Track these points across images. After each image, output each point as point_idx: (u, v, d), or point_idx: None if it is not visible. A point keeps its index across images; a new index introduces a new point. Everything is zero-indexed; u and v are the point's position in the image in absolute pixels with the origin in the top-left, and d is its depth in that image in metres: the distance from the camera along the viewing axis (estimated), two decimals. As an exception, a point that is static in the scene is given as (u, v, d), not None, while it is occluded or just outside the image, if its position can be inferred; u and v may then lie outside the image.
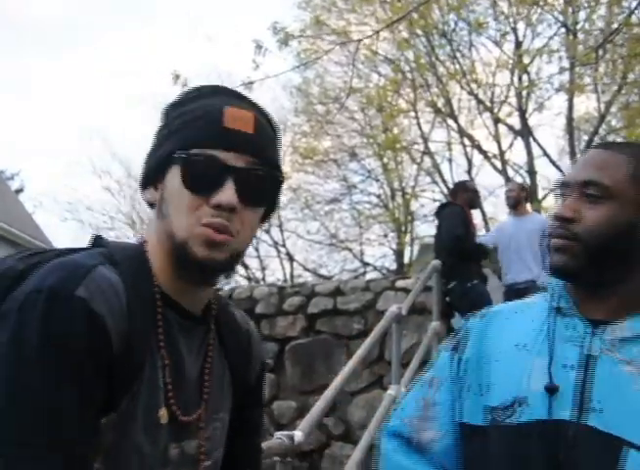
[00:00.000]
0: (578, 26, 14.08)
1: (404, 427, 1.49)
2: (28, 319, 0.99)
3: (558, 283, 1.43)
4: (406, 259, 19.45)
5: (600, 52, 8.02)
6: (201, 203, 1.12)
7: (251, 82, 7.00)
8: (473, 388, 1.42)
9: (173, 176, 1.14)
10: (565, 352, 1.34)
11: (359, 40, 7.62)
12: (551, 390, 1.31)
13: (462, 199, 6.29)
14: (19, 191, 27.09)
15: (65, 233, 49.38)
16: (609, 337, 1.32)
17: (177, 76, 6.86)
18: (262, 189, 1.18)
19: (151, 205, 1.22)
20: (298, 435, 2.59)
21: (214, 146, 1.13)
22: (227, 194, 1.11)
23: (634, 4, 8.05)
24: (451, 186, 9.44)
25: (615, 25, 8.62)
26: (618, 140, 14.15)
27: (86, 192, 40.77)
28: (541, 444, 1.29)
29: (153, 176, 1.20)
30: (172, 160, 1.14)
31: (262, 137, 1.18)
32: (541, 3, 13.14)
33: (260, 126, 1.18)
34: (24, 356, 0.98)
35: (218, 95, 1.21)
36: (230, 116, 1.15)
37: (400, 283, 7.38)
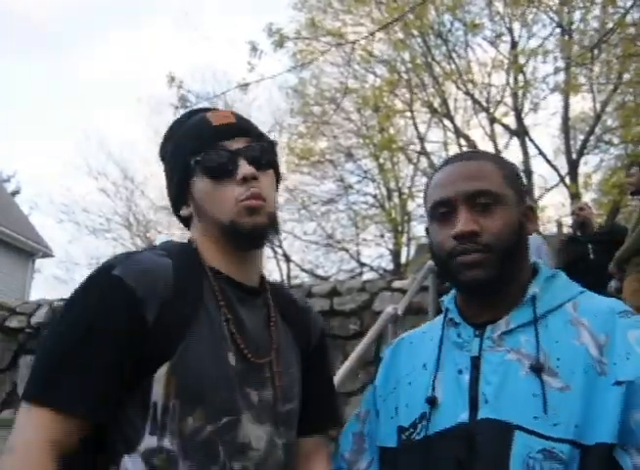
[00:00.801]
0: (573, 27, 14.12)
1: (343, 463, 1.56)
2: (76, 290, 1.31)
3: (450, 298, 1.52)
4: (403, 260, 19.49)
5: (595, 52, 8.04)
6: (230, 186, 1.39)
7: (247, 84, 7.00)
8: (389, 411, 1.50)
9: (197, 183, 1.42)
10: (456, 359, 1.42)
11: (354, 41, 7.62)
12: (431, 401, 1.40)
13: None
14: (15, 193, 27.04)
15: (61, 235, 49.48)
16: (492, 335, 1.39)
17: (172, 78, 6.87)
18: (265, 155, 1.46)
19: (186, 220, 1.50)
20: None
21: (216, 142, 1.42)
22: (245, 168, 1.39)
23: (629, 4, 8.07)
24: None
25: (609, 26, 8.64)
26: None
27: (82, 193, 40.83)
28: (446, 450, 1.34)
29: (180, 198, 1.47)
30: (190, 173, 1.42)
31: (244, 122, 1.49)
32: (536, 3, 13.13)
33: (238, 116, 1.49)
34: (62, 318, 1.28)
35: (195, 114, 1.54)
36: (213, 117, 1.46)
37: (397, 284, 7.38)
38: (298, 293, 1.63)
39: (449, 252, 1.40)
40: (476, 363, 1.38)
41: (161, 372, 1.26)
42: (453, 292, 1.53)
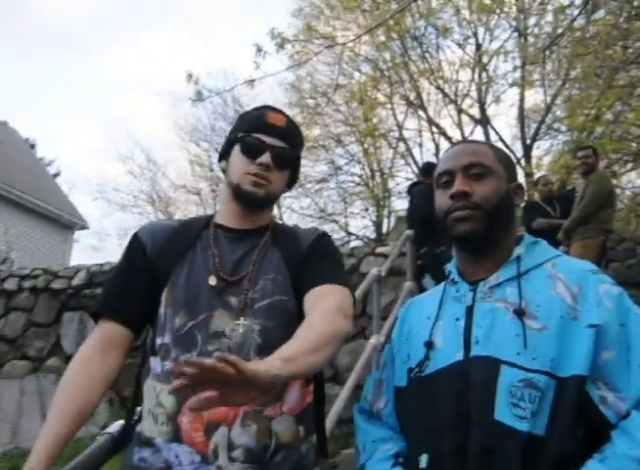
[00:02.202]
0: (529, 31, 14.00)
1: (366, 403, 1.63)
2: None
3: (452, 264, 1.57)
4: (384, 230, 19.44)
5: (547, 53, 7.96)
6: (250, 163, 1.60)
7: (252, 81, 6.93)
8: (403, 358, 1.53)
9: (235, 151, 1.64)
10: (454, 309, 1.46)
11: (344, 43, 7.53)
12: (428, 345, 1.44)
13: (432, 178, 6.20)
14: (56, 175, 26.86)
15: (95, 210, 49.29)
16: (484, 288, 1.43)
17: (190, 76, 6.78)
18: (286, 160, 1.64)
19: (223, 171, 1.71)
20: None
21: (261, 132, 1.62)
22: (266, 157, 1.59)
23: (576, 12, 8.00)
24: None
25: (560, 30, 8.57)
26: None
27: (113, 175, 40.57)
28: (446, 383, 1.38)
29: (224, 153, 1.69)
30: (236, 141, 1.64)
31: (289, 131, 1.66)
32: (497, 11, 13.00)
33: (289, 125, 1.66)
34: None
35: (264, 109, 1.69)
36: (270, 116, 1.64)
37: (379, 250, 7.39)
38: (309, 229, 1.72)
39: (446, 210, 1.47)
40: (469, 312, 1.42)
41: (165, 292, 1.55)
42: (455, 259, 1.57)
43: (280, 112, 1.69)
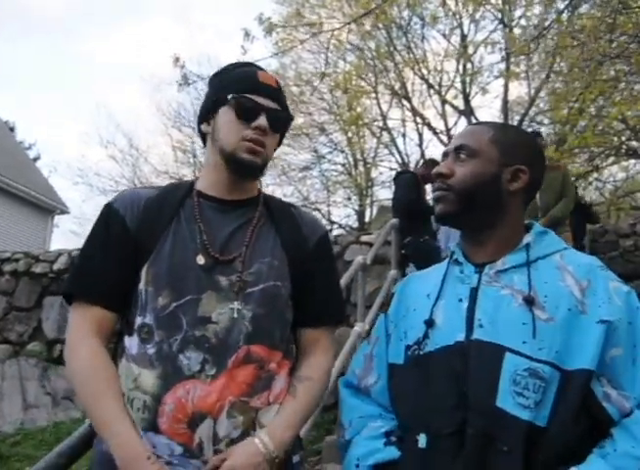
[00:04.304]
0: (514, 23, 14.01)
1: (354, 378, 1.59)
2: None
3: (455, 244, 1.55)
4: (367, 219, 19.45)
5: (533, 45, 7.98)
6: (245, 127, 1.48)
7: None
8: (400, 335, 1.50)
9: (225, 113, 1.51)
10: (457, 290, 1.44)
11: (332, 30, 7.49)
12: (429, 323, 1.42)
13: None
14: (36, 159, 26.53)
15: (76, 195, 48.81)
16: (490, 271, 1.41)
17: (177, 59, 6.70)
18: (281, 122, 1.55)
19: (204, 135, 1.58)
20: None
21: (254, 93, 1.50)
22: (263, 120, 1.49)
23: (562, 6, 8.03)
24: (405, 156, 9.40)
25: (547, 23, 8.59)
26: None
27: (94, 160, 40.14)
28: (444, 363, 1.36)
29: (207, 115, 1.56)
30: (224, 102, 1.51)
31: (280, 91, 1.57)
32: (483, 2, 12.98)
33: (279, 85, 1.57)
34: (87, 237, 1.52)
35: (249, 66, 1.61)
36: (262, 75, 1.54)
37: (364, 238, 7.41)
38: (310, 217, 1.66)
39: (433, 189, 1.50)
40: (474, 294, 1.39)
41: (145, 268, 1.43)
42: (459, 240, 1.55)
43: (263, 69, 1.61)
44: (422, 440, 1.35)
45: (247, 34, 5.75)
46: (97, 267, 1.45)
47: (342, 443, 1.53)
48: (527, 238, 1.44)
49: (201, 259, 1.43)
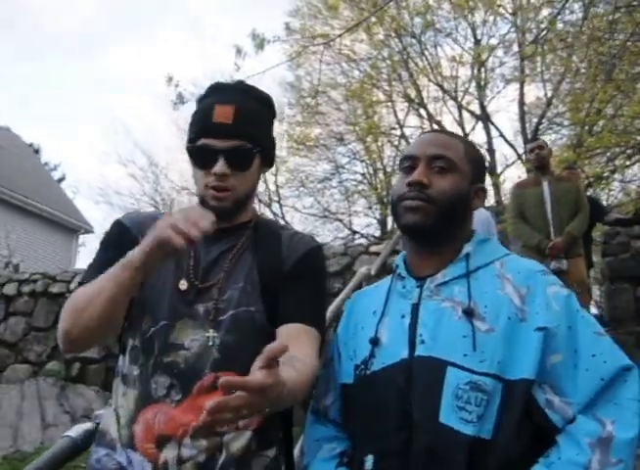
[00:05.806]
0: (526, 26, 13.90)
1: (316, 404, 1.57)
2: None
3: (400, 257, 1.52)
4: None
5: (542, 48, 7.90)
6: (206, 175, 1.47)
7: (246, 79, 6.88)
8: (349, 354, 1.48)
9: (190, 160, 1.52)
10: (400, 306, 1.41)
11: (339, 35, 7.53)
12: (374, 342, 1.40)
13: None
14: (60, 180, 26.99)
15: (99, 215, 49.61)
16: (430, 285, 1.38)
17: (170, 79, 6.79)
18: (244, 159, 1.49)
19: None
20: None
21: (210, 136, 1.46)
22: (220, 166, 1.45)
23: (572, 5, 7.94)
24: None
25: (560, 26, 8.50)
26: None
27: (114, 178, 40.68)
28: (389, 380, 1.34)
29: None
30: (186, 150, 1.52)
31: (241, 124, 1.47)
32: (496, 7, 12.91)
33: (239, 115, 1.47)
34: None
35: (214, 93, 1.55)
36: (218, 112, 1.46)
37: (374, 248, 7.38)
38: (298, 236, 1.59)
39: (399, 195, 1.42)
40: (415, 310, 1.37)
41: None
42: (403, 252, 1.53)
43: (230, 99, 1.50)
44: (369, 461, 1.33)
45: (238, 51, 5.81)
46: (106, 264, 1.41)
47: (302, 469, 1.52)
48: (467, 248, 1.42)
49: (183, 285, 1.47)
